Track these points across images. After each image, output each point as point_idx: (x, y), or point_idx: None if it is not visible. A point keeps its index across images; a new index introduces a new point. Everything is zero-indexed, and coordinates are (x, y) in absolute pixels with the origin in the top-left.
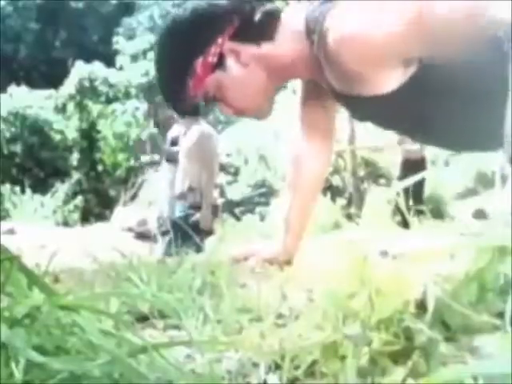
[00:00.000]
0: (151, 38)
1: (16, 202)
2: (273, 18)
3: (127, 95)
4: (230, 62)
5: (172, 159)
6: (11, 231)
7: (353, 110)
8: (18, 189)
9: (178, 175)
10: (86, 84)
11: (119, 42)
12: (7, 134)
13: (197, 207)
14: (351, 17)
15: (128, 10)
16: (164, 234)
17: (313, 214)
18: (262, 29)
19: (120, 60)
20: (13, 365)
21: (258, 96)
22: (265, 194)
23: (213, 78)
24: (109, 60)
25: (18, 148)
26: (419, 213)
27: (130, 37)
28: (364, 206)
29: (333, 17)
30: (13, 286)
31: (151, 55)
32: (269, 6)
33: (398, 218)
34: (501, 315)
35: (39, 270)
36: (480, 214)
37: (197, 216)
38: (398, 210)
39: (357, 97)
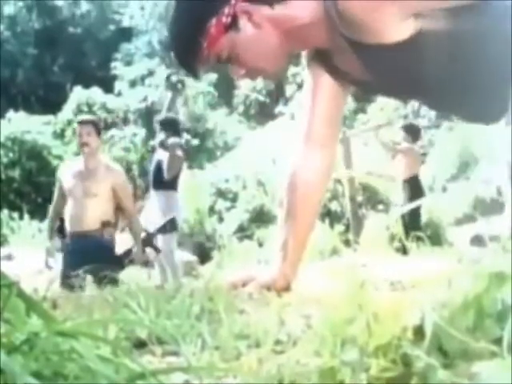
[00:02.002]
0: (149, 64)
1: (14, 227)
2: None
3: (125, 121)
4: (243, 22)
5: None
6: (9, 257)
7: (367, 60)
8: (16, 214)
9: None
10: (84, 109)
11: (117, 67)
12: (5, 160)
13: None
14: None
15: (126, 35)
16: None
17: (310, 240)
18: None
19: (118, 86)
20: None
21: (270, 57)
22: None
23: (226, 38)
24: (107, 85)
25: (16, 173)
26: (417, 239)
27: (129, 62)
28: (362, 232)
29: None
30: (11, 312)
31: (149, 81)
32: None
33: (396, 243)
34: (499, 341)
35: (37, 296)
36: (478, 240)
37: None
38: (395, 235)
39: (368, 45)
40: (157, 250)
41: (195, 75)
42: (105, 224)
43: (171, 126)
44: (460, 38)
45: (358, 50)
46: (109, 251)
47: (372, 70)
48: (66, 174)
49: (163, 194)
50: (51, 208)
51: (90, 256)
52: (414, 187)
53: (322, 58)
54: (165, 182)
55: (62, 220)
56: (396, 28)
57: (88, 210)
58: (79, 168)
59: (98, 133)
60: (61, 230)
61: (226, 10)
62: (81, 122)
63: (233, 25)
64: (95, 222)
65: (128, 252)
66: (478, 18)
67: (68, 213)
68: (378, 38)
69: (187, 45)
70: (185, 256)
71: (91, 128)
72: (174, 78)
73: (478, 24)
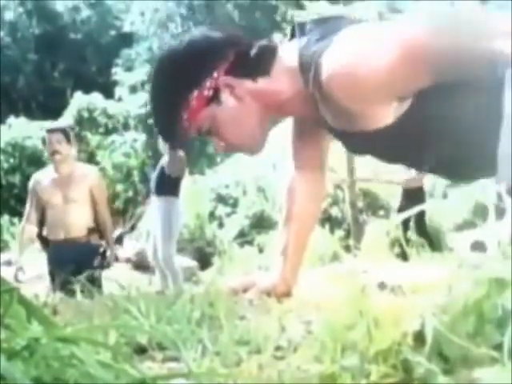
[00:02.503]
0: (150, 70)
1: (15, 233)
2: (269, 53)
3: (126, 126)
4: (225, 96)
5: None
6: (10, 262)
7: (349, 144)
8: (16, 220)
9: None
10: (85, 115)
11: (118, 73)
12: (6, 165)
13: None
14: (345, 55)
15: (127, 41)
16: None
17: (309, 245)
18: (258, 64)
19: (119, 91)
20: None
21: (252, 131)
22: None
23: (207, 111)
24: (108, 91)
25: (16, 179)
26: (417, 244)
27: (129, 68)
28: (363, 238)
29: (328, 54)
30: (11, 318)
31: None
32: (265, 42)
33: (397, 249)
34: (499, 347)
35: (38, 301)
36: (478, 246)
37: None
38: (396, 241)
39: (352, 132)
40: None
41: (175, 146)
42: (91, 230)
43: None
44: (448, 117)
45: (339, 135)
46: (97, 257)
47: (353, 150)
48: (41, 184)
49: (164, 199)
50: (23, 222)
51: (79, 262)
52: (418, 198)
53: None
54: (167, 188)
55: (40, 230)
56: (381, 115)
57: (71, 217)
58: (53, 176)
59: (68, 140)
60: (42, 240)
61: (208, 83)
62: (50, 131)
63: (214, 98)
64: (81, 229)
65: (103, 255)
66: (469, 96)
67: (50, 222)
68: (363, 126)
69: (168, 116)
70: (185, 261)
71: (61, 136)
72: None
73: (468, 102)
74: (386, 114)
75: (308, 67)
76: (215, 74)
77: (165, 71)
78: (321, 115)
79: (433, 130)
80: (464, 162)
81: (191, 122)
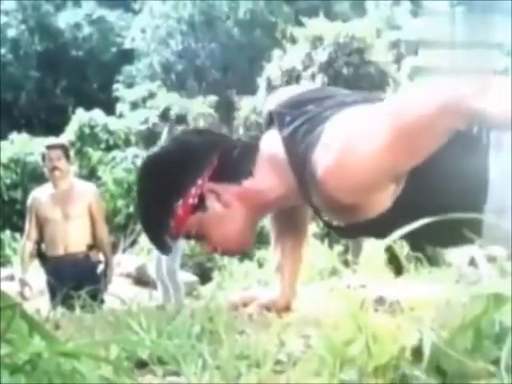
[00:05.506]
0: (151, 86)
1: (16, 248)
2: (251, 152)
3: (127, 142)
4: (211, 202)
5: None
6: (12, 277)
7: (343, 233)
8: (18, 235)
9: None
10: (86, 131)
11: (119, 89)
12: (8, 181)
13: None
14: (337, 148)
15: (128, 58)
16: None
17: (308, 260)
18: (240, 165)
19: (120, 107)
20: None
21: (240, 234)
22: None
23: (194, 218)
24: (109, 107)
25: (18, 194)
26: (416, 259)
27: (130, 84)
28: (361, 253)
29: (319, 150)
30: (14, 333)
31: (151, 103)
32: (246, 140)
33: (395, 264)
34: (497, 362)
35: (40, 317)
36: (476, 262)
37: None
38: (394, 257)
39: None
40: None
41: (165, 251)
42: (90, 246)
43: None
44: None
45: (335, 229)
46: (96, 274)
47: (347, 236)
48: (40, 200)
49: None
50: (24, 240)
51: (78, 278)
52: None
53: None
54: None
55: (38, 246)
56: (381, 201)
57: (70, 233)
58: (52, 193)
59: (67, 156)
60: (40, 256)
61: (193, 191)
62: (50, 147)
63: (200, 205)
64: (80, 245)
65: (104, 273)
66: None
67: (49, 238)
68: (362, 217)
69: (155, 223)
70: (185, 276)
71: (60, 152)
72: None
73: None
74: (385, 199)
75: (301, 166)
76: (200, 182)
77: (148, 180)
78: (315, 206)
79: (427, 201)
80: (450, 227)
81: (178, 229)
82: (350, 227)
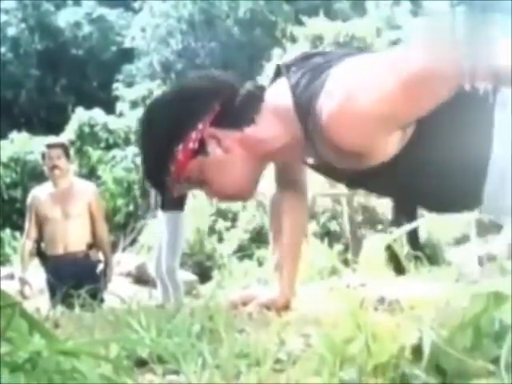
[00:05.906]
0: (151, 85)
1: (16, 247)
2: (255, 100)
3: (127, 141)
4: (212, 147)
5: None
6: (11, 276)
7: (348, 182)
8: (18, 234)
9: None
10: (86, 130)
11: (119, 88)
12: (8, 180)
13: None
14: (341, 94)
15: (128, 57)
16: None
17: (308, 259)
18: (243, 113)
19: (120, 106)
20: None
21: (241, 181)
22: None
23: (194, 163)
24: (109, 106)
25: (18, 193)
26: (415, 258)
27: (130, 83)
28: (361, 252)
29: (324, 97)
30: (14, 331)
31: None
32: (250, 87)
33: (395, 263)
34: (496, 361)
35: (39, 315)
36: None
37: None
38: (393, 256)
39: (354, 170)
40: None
41: (169, 206)
42: (89, 245)
43: None
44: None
45: (339, 175)
46: (96, 273)
47: (354, 186)
48: (40, 199)
49: (170, 214)
50: (24, 239)
51: (78, 277)
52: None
53: None
54: (172, 203)
55: (37, 245)
56: (386, 148)
57: (70, 232)
58: (52, 191)
59: (67, 155)
60: (40, 255)
61: (194, 135)
62: (50, 146)
63: (201, 150)
64: (80, 243)
65: (103, 272)
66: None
67: (49, 236)
68: (366, 164)
69: (156, 169)
70: (185, 275)
71: (60, 151)
72: None
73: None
74: (391, 146)
75: (306, 113)
76: (200, 126)
77: (149, 127)
78: (320, 156)
79: (434, 159)
80: (451, 193)
81: (179, 174)
82: (351, 175)
